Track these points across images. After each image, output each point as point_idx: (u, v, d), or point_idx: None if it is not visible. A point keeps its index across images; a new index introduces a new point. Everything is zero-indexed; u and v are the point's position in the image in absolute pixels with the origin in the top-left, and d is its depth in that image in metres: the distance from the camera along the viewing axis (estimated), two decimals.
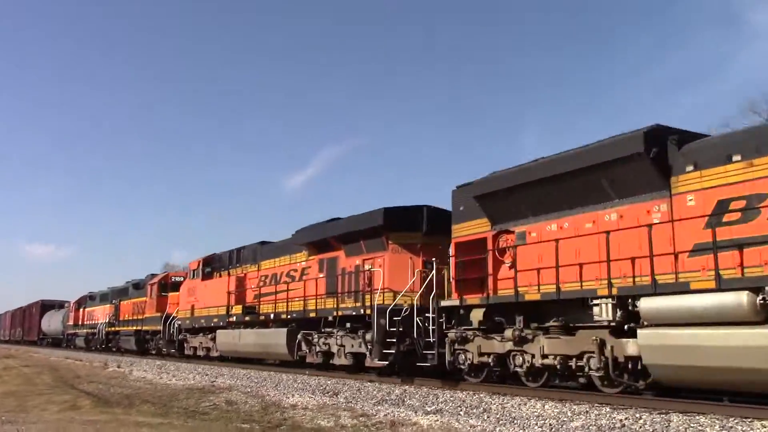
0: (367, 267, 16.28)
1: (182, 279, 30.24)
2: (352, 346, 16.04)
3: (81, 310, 45.67)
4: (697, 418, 8.12)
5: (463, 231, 13.34)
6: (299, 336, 18.11)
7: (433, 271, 13.72)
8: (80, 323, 45.04)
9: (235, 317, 21.80)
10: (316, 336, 17.59)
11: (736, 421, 7.80)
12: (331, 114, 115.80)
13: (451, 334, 12.87)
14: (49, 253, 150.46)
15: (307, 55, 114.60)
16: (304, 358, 18.21)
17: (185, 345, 26.61)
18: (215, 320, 23.31)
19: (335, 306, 16.78)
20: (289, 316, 18.56)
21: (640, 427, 7.83)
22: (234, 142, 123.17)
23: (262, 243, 22.24)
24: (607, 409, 9.10)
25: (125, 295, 36.46)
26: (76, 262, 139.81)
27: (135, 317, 33.22)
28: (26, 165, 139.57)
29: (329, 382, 14.97)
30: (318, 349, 17.48)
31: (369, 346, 15.34)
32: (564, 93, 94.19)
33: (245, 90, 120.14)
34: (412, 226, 15.51)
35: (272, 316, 19.53)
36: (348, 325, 16.06)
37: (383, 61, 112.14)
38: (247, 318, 20.99)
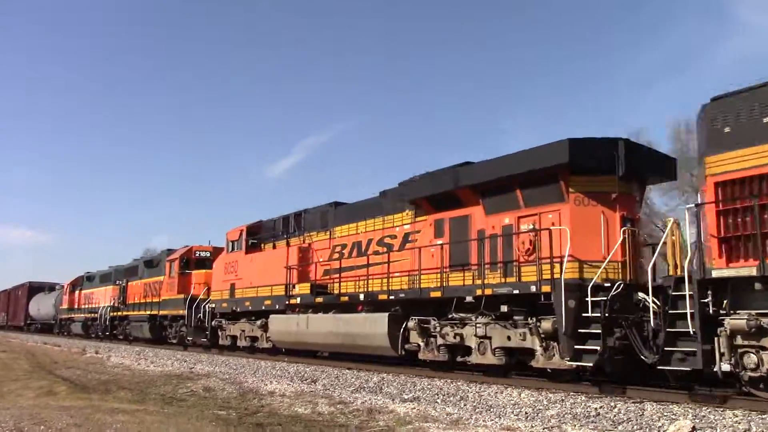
0: (524, 227, 11.54)
1: (209, 254, 25.49)
2: (508, 338, 11.27)
3: (77, 292, 40.52)
4: (671, 406, 8.16)
5: (735, 163, 8.57)
6: (411, 324, 13.31)
7: (687, 228, 8.97)
8: (76, 307, 39.87)
9: (299, 299, 16.95)
10: (437, 324, 12.80)
11: (708, 410, 7.84)
12: (315, 102, 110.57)
13: (735, 321, 8.13)
14: (29, 238, 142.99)
15: (291, 43, 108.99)
16: (415, 353, 13.44)
17: (220, 333, 21.71)
18: (267, 303, 18.45)
19: (474, 282, 12.04)
20: (392, 297, 13.75)
21: (615, 416, 7.78)
22: (216, 129, 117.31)
23: (336, 204, 17.37)
24: (583, 398, 9.11)
25: (134, 275, 31.41)
26: (55, 248, 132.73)
27: (148, 300, 28.23)
28: (3, 150, 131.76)
29: (308, 369, 14.88)
30: (441, 341, 12.70)
31: (543, 339, 10.61)
32: (546, 82, 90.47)
33: (228, 77, 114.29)
34: (604, 168, 10.74)
35: (362, 296, 14.71)
36: (504, 308, 11.29)
37: (367, 50, 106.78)
38: (318, 300, 16.16)
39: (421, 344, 13.19)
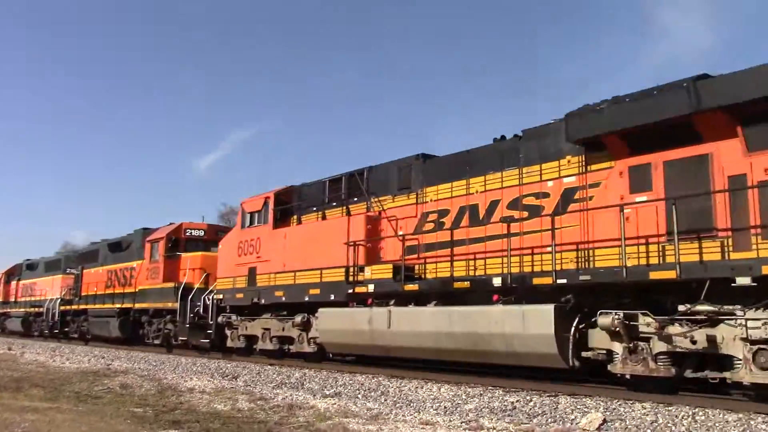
0: None
1: (203, 233, 20.36)
2: None
3: (13, 283, 34.24)
4: (584, 400, 8.17)
5: None
6: (605, 320, 8.59)
7: None
8: (13, 300, 33.51)
9: (371, 286, 12.15)
10: (654, 321, 8.29)
11: (619, 403, 7.86)
12: (243, 96, 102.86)
13: None
14: None
15: (222, 36, 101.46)
16: (601, 363, 8.92)
17: (229, 333, 16.56)
18: (313, 292, 13.53)
19: (726, 255, 7.63)
20: (561, 281, 9.14)
21: (531, 409, 7.87)
22: (140, 119, 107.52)
23: (424, 156, 12.64)
24: (500, 392, 9.14)
25: (92, 260, 25.71)
26: None
27: (115, 290, 22.65)
28: None
29: (229, 365, 14.46)
30: (661, 348, 8.21)
31: None
32: (481, 83, 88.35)
33: (156, 66, 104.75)
34: None
35: (497, 281, 10.03)
36: None
37: (298, 46, 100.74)
38: (409, 287, 11.41)
39: (618, 351, 8.67)
